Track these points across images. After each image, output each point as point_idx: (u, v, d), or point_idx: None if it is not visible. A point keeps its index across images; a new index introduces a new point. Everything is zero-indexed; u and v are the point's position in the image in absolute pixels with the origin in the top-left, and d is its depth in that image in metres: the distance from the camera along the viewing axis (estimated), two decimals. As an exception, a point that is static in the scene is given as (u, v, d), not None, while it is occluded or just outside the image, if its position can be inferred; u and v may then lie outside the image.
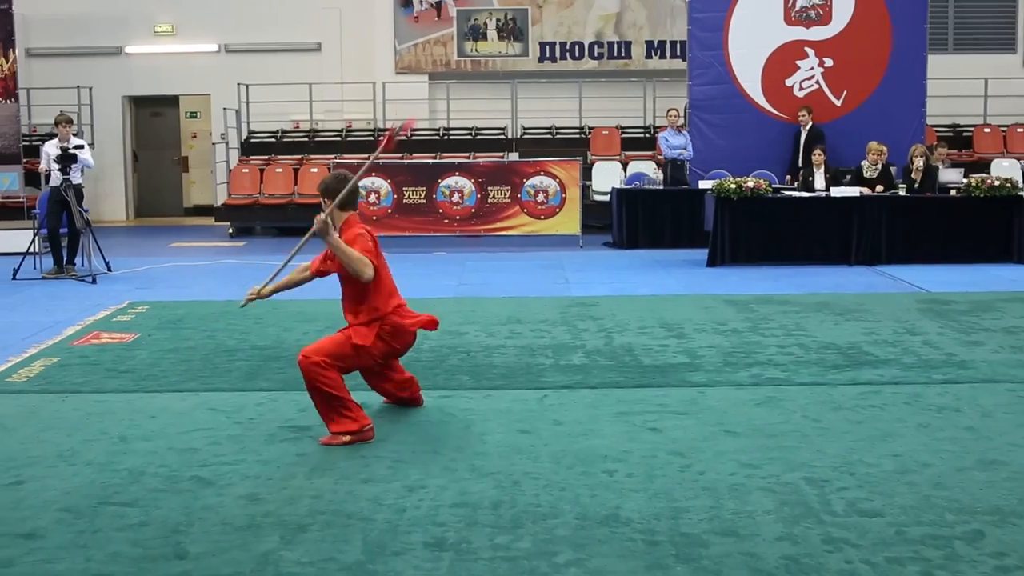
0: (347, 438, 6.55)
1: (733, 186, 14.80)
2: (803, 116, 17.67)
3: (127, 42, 23.34)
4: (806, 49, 17.95)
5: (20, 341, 9.87)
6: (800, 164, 17.33)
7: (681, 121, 18.07)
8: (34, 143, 20.28)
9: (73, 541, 5.05)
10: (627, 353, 9.09)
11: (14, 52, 19.75)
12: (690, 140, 17.77)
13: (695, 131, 18.04)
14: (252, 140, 22.22)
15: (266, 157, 21.72)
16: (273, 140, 22.32)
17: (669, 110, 18.24)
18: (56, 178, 14.18)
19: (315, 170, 20.47)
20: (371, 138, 21.07)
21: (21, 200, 19.75)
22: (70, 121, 14.75)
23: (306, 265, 7.28)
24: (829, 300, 11.66)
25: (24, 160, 19.76)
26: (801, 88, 18.00)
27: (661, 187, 17.72)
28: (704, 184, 16.05)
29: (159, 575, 4.69)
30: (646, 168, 19.57)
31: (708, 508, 5.39)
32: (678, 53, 22.02)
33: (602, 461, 6.15)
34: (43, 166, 14.70)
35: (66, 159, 13.97)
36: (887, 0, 17.73)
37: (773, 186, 15.65)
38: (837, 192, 15.16)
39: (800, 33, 17.96)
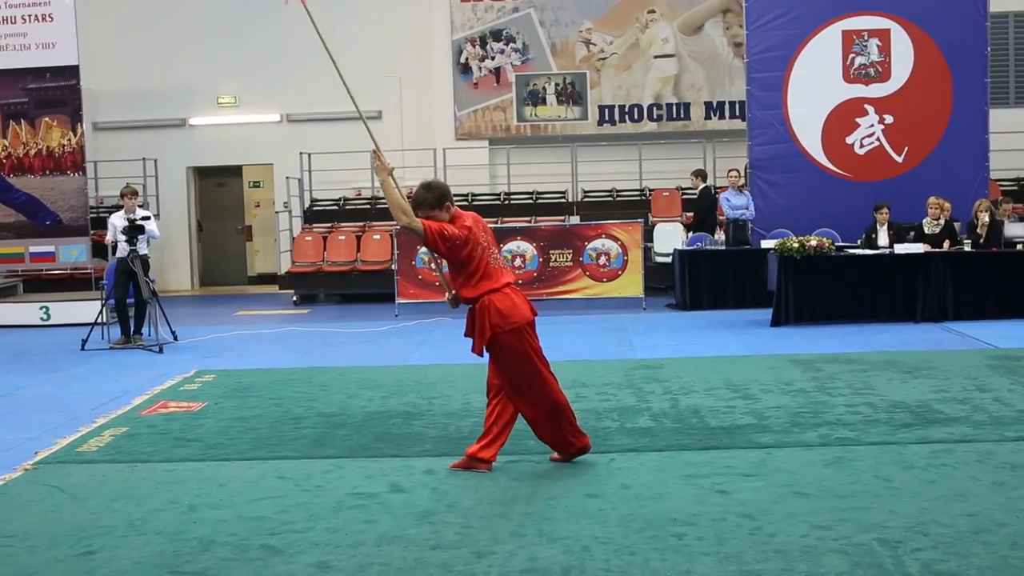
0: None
1: (796, 245, 14.74)
2: (693, 180, 17.98)
3: (191, 114, 23.73)
4: (866, 106, 17.91)
5: (89, 411, 9.98)
6: (699, 223, 18.70)
7: (742, 181, 18.05)
8: (101, 215, 20.55)
9: (145, 611, 5.08)
10: (693, 415, 9.04)
11: (82, 126, 20.07)
12: (751, 200, 17.75)
13: (756, 191, 18.01)
14: (315, 208, 22.44)
15: (329, 225, 21.91)
16: (335, 208, 22.53)
17: (730, 170, 18.25)
18: (123, 249, 14.37)
19: (377, 236, 20.63)
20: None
21: (89, 271, 19.98)
22: (135, 193, 14.97)
23: None
24: (896, 358, 11.55)
25: (92, 232, 20.01)
26: (862, 145, 17.95)
27: (723, 248, 17.69)
28: (766, 244, 15.98)
29: (230, 644, 4.70)
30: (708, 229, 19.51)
31: (780, 571, 5.32)
32: (737, 113, 22.04)
33: (671, 524, 6.10)
34: (110, 237, 14.89)
35: (133, 230, 14.15)
36: (947, 56, 17.69)
37: (836, 244, 15.55)
38: (901, 249, 15.05)
39: (859, 90, 17.93)
